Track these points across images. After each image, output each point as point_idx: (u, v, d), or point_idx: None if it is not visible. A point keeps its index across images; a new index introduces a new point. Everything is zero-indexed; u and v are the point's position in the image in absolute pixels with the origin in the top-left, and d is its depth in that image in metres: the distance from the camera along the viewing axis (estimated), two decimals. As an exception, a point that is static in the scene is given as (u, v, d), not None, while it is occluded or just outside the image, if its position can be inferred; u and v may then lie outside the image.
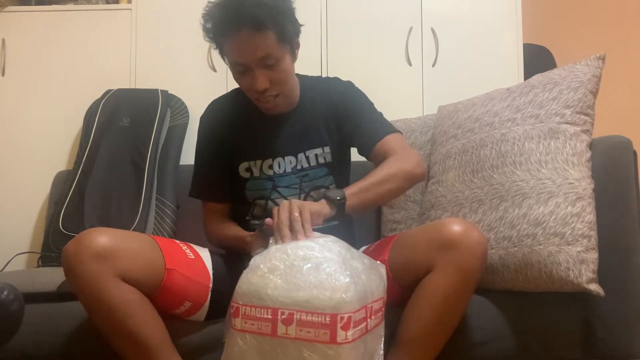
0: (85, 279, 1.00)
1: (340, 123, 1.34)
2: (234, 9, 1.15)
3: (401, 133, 1.33)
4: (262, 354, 0.91)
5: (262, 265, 0.94)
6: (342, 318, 0.86)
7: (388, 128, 1.32)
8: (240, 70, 1.21)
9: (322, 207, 1.10)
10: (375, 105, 1.37)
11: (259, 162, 1.33)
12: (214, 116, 1.39)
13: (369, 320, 0.92)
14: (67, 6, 2.20)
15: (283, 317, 0.89)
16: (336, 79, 1.41)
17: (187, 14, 2.15)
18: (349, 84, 1.39)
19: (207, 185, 1.38)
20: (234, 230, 1.30)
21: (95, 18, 2.16)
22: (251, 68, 1.19)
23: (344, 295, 0.87)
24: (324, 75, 2.06)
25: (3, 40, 2.14)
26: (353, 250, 1.02)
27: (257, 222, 1.19)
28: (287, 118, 1.33)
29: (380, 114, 1.37)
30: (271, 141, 1.32)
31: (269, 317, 0.90)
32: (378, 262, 1.05)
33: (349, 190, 1.14)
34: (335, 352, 0.86)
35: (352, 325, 0.87)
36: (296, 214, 1.04)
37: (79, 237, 1.02)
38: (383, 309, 1.00)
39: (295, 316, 0.88)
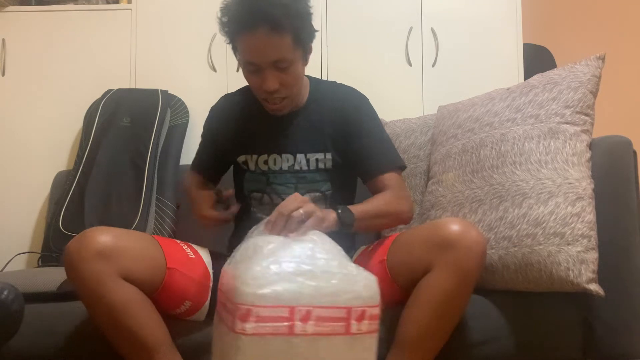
0: (87, 278, 1.00)
1: (349, 137, 1.31)
2: (253, 6, 1.13)
3: (404, 167, 1.34)
4: (277, 356, 0.91)
5: (272, 266, 0.93)
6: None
7: (394, 162, 1.32)
8: (251, 69, 1.20)
9: (330, 223, 1.10)
10: (384, 128, 1.37)
11: (255, 156, 1.33)
12: (222, 107, 1.43)
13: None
14: (67, 6, 2.20)
15: (301, 314, 0.90)
16: (352, 89, 1.37)
17: (187, 14, 2.15)
18: (365, 100, 1.36)
19: (201, 160, 1.47)
20: (197, 188, 1.39)
21: (95, 18, 2.16)
22: (262, 68, 1.18)
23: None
24: (324, 76, 2.08)
25: (3, 40, 2.14)
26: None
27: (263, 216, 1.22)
28: (290, 117, 1.32)
29: (389, 139, 1.37)
30: (269, 137, 1.32)
31: (286, 315, 0.90)
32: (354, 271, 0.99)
33: (357, 213, 1.15)
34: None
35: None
36: (300, 212, 1.04)
37: (82, 236, 1.02)
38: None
39: (313, 312, 0.90)
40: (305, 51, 1.23)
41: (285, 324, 0.89)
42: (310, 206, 1.07)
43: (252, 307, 0.88)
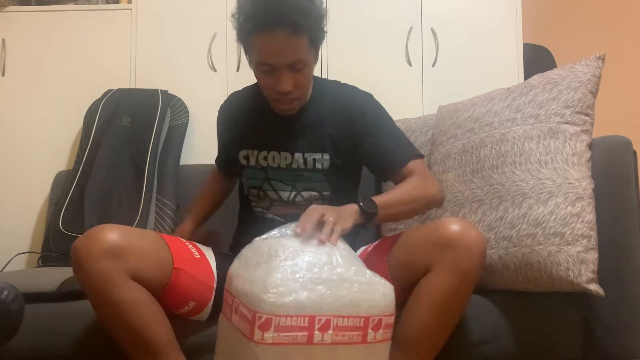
0: (95, 277, 0.99)
1: (356, 137, 1.29)
2: (273, 7, 1.12)
3: (422, 156, 1.30)
4: None
5: (292, 274, 0.91)
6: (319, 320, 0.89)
7: (411, 151, 1.29)
8: (265, 69, 1.19)
9: (352, 213, 1.08)
10: (394, 123, 1.34)
11: (255, 152, 1.34)
12: (228, 105, 1.45)
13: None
14: (67, 6, 2.20)
15: (320, 323, 0.89)
16: (355, 89, 1.36)
17: (187, 14, 2.15)
18: (369, 98, 1.34)
19: (219, 156, 1.53)
20: (197, 202, 1.51)
21: (95, 18, 2.16)
22: (278, 69, 1.18)
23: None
24: (324, 76, 2.08)
25: (3, 40, 2.14)
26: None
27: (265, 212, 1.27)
28: (291, 115, 1.32)
29: (401, 132, 1.33)
30: (270, 134, 1.33)
31: (306, 325, 0.89)
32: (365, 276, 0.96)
33: (380, 201, 1.12)
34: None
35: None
36: (330, 219, 1.03)
37: (90, 233, 1.02)
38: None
39: (332, 322, 0.89)
40: (317, 52, 1.24)
41: (305, 333, 0.88)
42: (331, 208, 1.07)
43: (272, 316, 0.86)
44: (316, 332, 0.88)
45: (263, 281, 0.89)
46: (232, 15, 1.19)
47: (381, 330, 0.94)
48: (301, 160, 1.31)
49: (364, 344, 0.92)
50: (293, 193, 1.32)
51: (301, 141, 1.31)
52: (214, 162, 1.57)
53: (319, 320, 0.89)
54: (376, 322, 0.93)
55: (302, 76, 1.20)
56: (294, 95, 1.23)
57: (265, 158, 1.33)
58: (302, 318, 0.88)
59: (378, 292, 0.94)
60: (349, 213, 1.07)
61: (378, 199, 1.13)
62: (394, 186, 1.24)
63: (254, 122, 1.36)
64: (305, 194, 1.31)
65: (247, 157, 1.35)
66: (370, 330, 0.92)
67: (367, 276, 0.95)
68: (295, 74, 1.19)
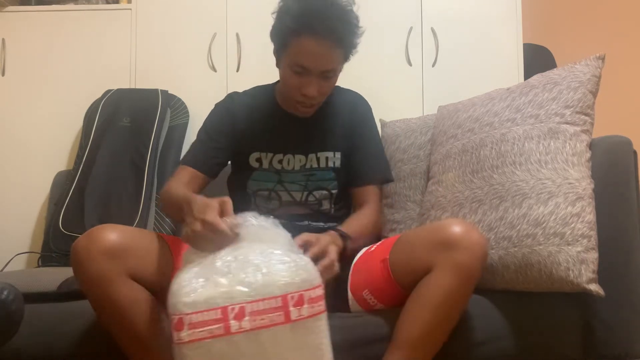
0: (94, 276, 0.99)
1: (354, 140, 1.39)
2: (325, 16, 1.18)
3: (390, 181, 1.46)
4: (222, 357, 0.90)
5: (197, 271, 0.93)
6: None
7: (383, 175, 1.44)
8: (298, 71, 1.23)
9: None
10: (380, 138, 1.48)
11: (270, 154, 1.35)
12: (232, 104, 1.41)
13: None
14: (67, 6, 2.20)
15: (234, 312, 0.89)
16: (358, 94, 1.46)
17: (187, 14, 2.15)
18: (370, 108, 1.45)
19: (201, 154, 1.35)
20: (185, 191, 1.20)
21: (95, 18, 2.16)
22: (309, 73, 1.22)
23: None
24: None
25: (3, 40, 2.14)
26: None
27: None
28: (305, 117, 1.35)
29: (383, 150, 1.49)
30: (285, 137, 1.35)
31: (219, 317, 0.89)
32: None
33: (351, 233, 1.22)
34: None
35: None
36: (332, 258, 1.08)
37: (90, 233, 1.02)
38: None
39: (246, 308, 0.89)
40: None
41: (220, 325, 0.89)
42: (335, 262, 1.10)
43: (182, 315, 0.88)
44: (232, 321, 0.89)
45: (173, 286, 0.91)
46: (278, 11, 1.24)
47: (306, 306, 0.92)
48: (314, 160, 1.35)
49: (289, 323, 0.91)
50: (305, 193, 1.35)
51: (315, 141, 1.36)
52: (186, 165, 1.32)
53: (232, 309, 0.89)
54: (297, 298, 0.92)
55: (328, 84, 1.28)
56: (316, 100, 1.28)
57: (280, 161, 1.35)
58: (214, 311, 0.89)
59: (290, 269, 0.93)
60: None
61: (349, 227, 1.24)
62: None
63: (266, 124, 1.37)
64: (316, 193, 1.35)
65: (259, 160, 1.35)
66: (292, 308, 0.91)
67: (277, 255, 0.94)
68: (322, 81, 1.25)
